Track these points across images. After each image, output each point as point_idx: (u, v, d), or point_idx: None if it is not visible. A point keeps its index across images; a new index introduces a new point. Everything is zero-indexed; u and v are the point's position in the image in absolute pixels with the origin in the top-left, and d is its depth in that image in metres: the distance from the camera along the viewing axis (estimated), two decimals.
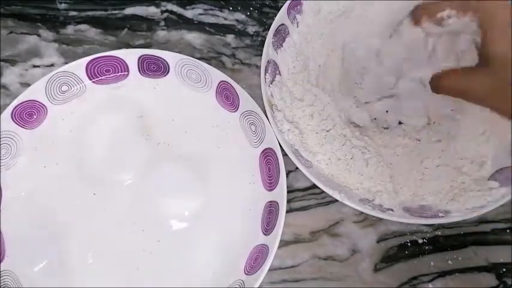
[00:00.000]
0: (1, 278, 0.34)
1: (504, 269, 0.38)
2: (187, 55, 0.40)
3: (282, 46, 0.41)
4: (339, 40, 0.43)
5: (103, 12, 0.46)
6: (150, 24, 0.46)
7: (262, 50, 0.39)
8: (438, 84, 0.31)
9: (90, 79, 0.40)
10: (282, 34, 0.41)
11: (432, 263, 0.38)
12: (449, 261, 0.39)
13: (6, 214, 0.36)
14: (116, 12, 0.46)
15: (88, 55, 0.39)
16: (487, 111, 0.31)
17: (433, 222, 0.35)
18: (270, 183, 0.37)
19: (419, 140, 0.39)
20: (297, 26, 0.43)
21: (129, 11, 0.46)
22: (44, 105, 0.39)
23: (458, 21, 0.29)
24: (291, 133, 0.38)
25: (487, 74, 0.28)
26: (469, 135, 0.38)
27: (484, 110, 0.31)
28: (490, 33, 0.28)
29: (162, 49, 0.40)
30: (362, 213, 0.36)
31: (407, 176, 0.38)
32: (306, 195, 0.40)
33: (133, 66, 0.41)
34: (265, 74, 0.39)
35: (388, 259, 0.39)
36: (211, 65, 0.39)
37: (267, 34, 0.40)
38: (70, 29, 0.45)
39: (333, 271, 0.38)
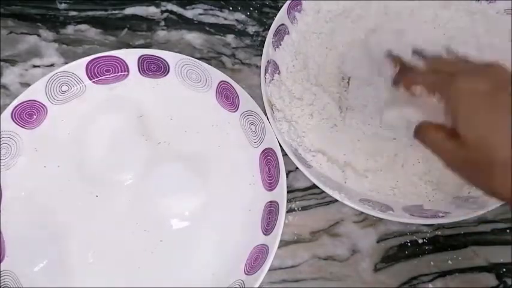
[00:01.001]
0: (1, 278, 0.34)
1: (504, 269, 0.38)
2: (187, 55, 0.40)
3: (281, 45, 0.41)
4: (337, 39, 0.43)
5: (103, 12, 0.46)
6: (150, 24, 0.46)
7: (262, 50, 0.39)
8: (423, 134, 0.31)
9: (90, 79, 0.40)
10: (282, 34, 0.41)
11: (432, 263, 0.38)
12: (449, 261, 0.38)
13: (6, 214, 0.36)
14: (116, 12, 0.46)
15: (88, 55, 0.39)
16: None
17: (433, 222, 0.36)
18: (270, 183, 0.37)
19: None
20: (296, 25, 0.43)
21: (129, 11, 0.46)
22: (44, 105, 0.39)
23: (431, 98, 0.30)
24: (291, 133, 0.38)
25: (459, 146, 0.27)
26: None
27: None
28: (456, 120, 0.27)
29: (162, 49, 0.40)
30: (362, 213, 0.36)
31: (410, 178, 0.38)
32: (306, 195, 0.40)
33: (133, 66, 0.41)
34: (265, 74, 0.39)
35: (388, 259, 0.39)
36: (211, 65, 0.39)
37: (267, 34, 0.40)
38: (70, 29, 0.45)
39: (333, 271, 0.38)
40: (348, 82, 0.41)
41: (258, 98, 0.38)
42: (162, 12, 0.46)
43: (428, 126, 0.30)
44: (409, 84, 0.32)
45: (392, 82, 0.34)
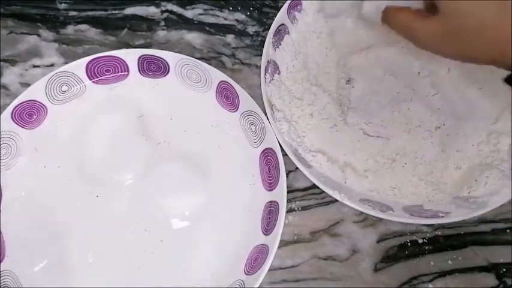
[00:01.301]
0: (1, 278, 0.34)
1: (504, 269, 0.38)
2: (187, 55, 0.40)
3: (281, 44, 0.41)
4: (337, 39, 0.43)
5: (103, 12, 0.46)
6: (150, 24, 0.46)
7: (262, 50, 0.39)
8: (392, 16, 0.33)
9: (90, 79, 0.40)
10: (282, 34, 0.41)
11: (432, 263, 0.38)
12: (449, 261, 0.39)
13: (6, 214, 0.36)
14: (116, 12, 0.46)
15: (88, 55, 0.39)
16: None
17: (433, 222, 0.35)
18: (270, 183, 0.37)
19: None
20: (296, 25, 0.43)
21: (129, 11, 0.46)
22: (44, 105, 0.39)
23: None
24: (291, 133, 0.38)
25: (437, 21, 0.29)
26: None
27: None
28: None
29: (162, 49, 0.40)
30: (362, 213, 0.36)
31: (410, 179, 0.38)
32: (306, 195, 0.40)
33: (133, 66, 0.41)
34: (265, 74, 0.39)
35: (388, 259, 0.39)
36: (211, 65, 0.39)
37: (267, 34, 0.40)
38: (70, 29, 0.45)
39: (333, 271, 0.38)
40: (348, 81, 0.41)
41: (258, 98, 0.38)
42: (162, 12, 0.46)
43: (398, 9, 0.32)
44: None
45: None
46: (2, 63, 0.43)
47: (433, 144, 0.39)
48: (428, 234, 0.39)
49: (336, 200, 0.35)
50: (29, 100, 0.38)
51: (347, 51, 0.42)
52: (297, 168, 0.36)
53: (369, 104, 0.40)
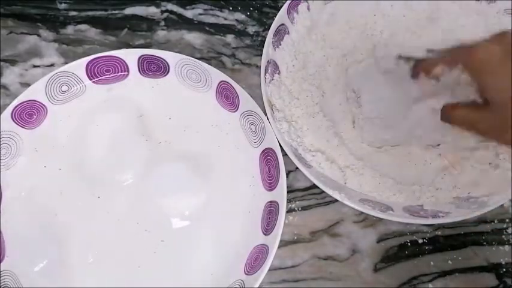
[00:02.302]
0: (1, 278, 0.34)
1: (504, 269, 0.38)
2: (187, 55, 0.40)
3: (281, 44, 0.41)
4: (337, 39, 0.43)
5: (103, 12, 0.46)
6: (150, 24, 0.46)
7: (262, 50, 0.39)
8: (450, 113, 0.34)
9: (90, 79, 0.40)
10: (282, 34, 0.41)
11: (432, 263, 0.38)
12: (449, 261, 0.38)
13: (6, 214, 0.36)
14: (116, 12, 0.46)
15: (88, 55, 0.39)
16: None
17: (433, 222, 0.35)
18: (270, 183, 0.37)
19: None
20: (296, 25, 0.43)
21: (129, 11, 0.46)
22: (44, 105, 0.39)
23: (451, 75, 0.33)
24: (291, 133, 0.38)
25: (488, 111, 0.31)
26: None
27: None
28: (482, 86, 0.31)
29: (162, 49, 0.40)
30: (362, 213, 0.36)
31: (411, 179, 0.38)
32: (306, 195, 0.40)
33: (133, 66, 0.41)
34: (265, 74, 0.39)
35: (388, 259, 0.39)
36: (211, 65, 0.39)
37: (267, 34, 0.40)
38: (70, 29, 0.45)
39: (333, 271, 0.38)
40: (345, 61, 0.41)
41: (258, 98, 0.38)
42: (162, 12, 0.46)
43: (453, 106, 0.33)
44: (429, 67, 0.34)
45: (411, 75, 0.37)
46: (2, 63, 0.43)
47: (434, 145, 0.39)
48: (428, 234, 0.39)
49: (336, 200, 0.35)
50: (29, 100, 0.38)
51: (347, 52, 0.42)
52: (297, 168, 0.36)
53: (366, 101, 0.40)
